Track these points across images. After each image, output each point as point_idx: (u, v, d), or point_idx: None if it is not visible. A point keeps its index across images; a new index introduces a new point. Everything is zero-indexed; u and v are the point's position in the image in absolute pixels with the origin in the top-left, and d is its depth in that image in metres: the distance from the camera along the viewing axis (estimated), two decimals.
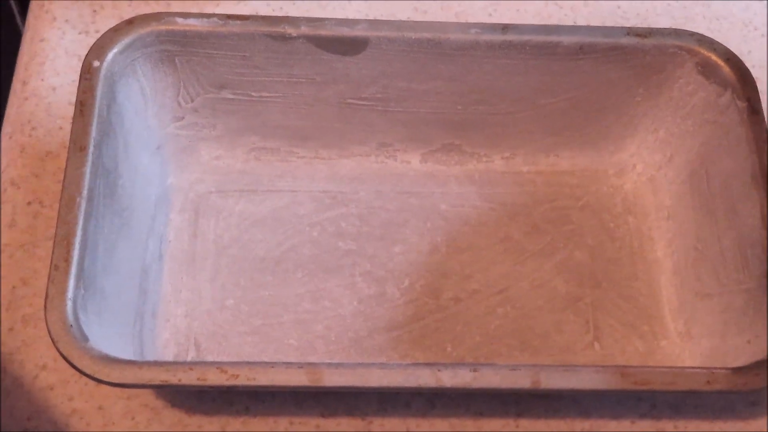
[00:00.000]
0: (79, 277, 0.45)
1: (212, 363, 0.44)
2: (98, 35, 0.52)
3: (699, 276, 0.54)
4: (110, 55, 0.51)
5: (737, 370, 0.46)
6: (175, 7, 0.61)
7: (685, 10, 0.65)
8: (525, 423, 0.51)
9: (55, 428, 0.49)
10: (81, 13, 0.61)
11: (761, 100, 0.53)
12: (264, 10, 0.62)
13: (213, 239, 0.56)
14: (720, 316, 0.52)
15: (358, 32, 0.53)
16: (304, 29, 0.53)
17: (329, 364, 0.44)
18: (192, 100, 0.56)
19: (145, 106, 0.55)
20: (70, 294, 0.44)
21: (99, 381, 0.43)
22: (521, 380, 0.45)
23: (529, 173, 0.60)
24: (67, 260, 0.45)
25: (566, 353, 0.54)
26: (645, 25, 0.63)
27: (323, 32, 0.53)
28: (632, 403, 0.52)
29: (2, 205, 0.54)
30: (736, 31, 0.65)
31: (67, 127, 0.55)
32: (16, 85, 0.58)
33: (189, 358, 0.52)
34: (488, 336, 0.54)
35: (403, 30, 0.54)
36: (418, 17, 0.63)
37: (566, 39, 0.55)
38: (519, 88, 0.57)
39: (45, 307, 0.44)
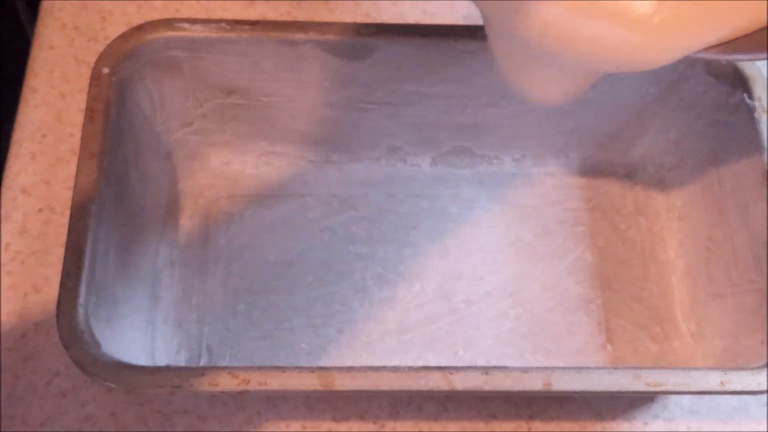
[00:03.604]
0: (91, 283, 0.45)
1: (224, 368, 0.44)
2: (107, 42, 0.52)
3: (711, 276, 0.54)
4: (119, 62, 0.51)
5: (751, 371, 0.46)
6: (184, 13, 0.61)
7: None
8: (537, 425, 0.51)
9: None
10: (90, 20, 0.61)
11: None
12: (272, 14, 0.62)
13: (224, 244, 0.56)
14: (732, 316, 0.52)
15: (367, 36, 0.53)
16: (313, 34, 0.53)
17: (341, 368, 0.44)
18: (201, 106, 0.56)
19: (155, 113, 0.55)
20: (81, 300, 0.44)
21: (111, 387, 0.43)
22: (533, 382, 0.44)
23: (539, 175, 0.60)
24: (79, 267, 0.45)
25: (578, 355, 0.54)
26: None
27: (331, 37, 0.53)
28: (645, 405, 0.51)
29: (13, 213, 0.54)
30: None
31: (78, 134, 0.55)
32: (26, 92, 0.58)
33: (201, 363, 0.53)
34: (500, 338, 0.54)
35: (412, 33, 0.54)
36: (426, 20, 0.63)
37: None
38: None
39: (57, 313, 0.44)
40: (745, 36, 0.37)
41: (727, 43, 0.38)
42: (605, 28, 0.36)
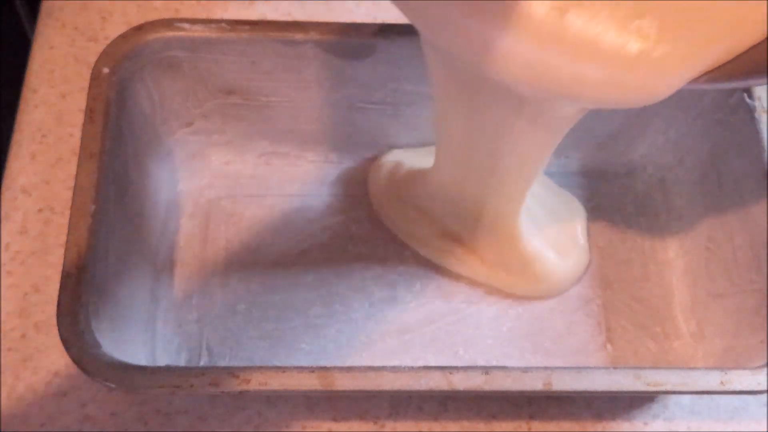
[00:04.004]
0: (91, 283, 0.45)
1: (224, 368, 0.44)
2: (107, 42, 0.52)
3: (711, 276, 0.54)
4: (119, 62, 0.51)
5: (751, 371, 0.46)
6: (184, 13, 0.62)
7: None
8: (537, 425, 0.51)
9: None
10: (90, 20, 0.61)
11: None
12: (272, 14, 0.62)
13: (224, 244, 0.56)
14: (733, 316, 0.52)
15: (367, 36, 0.53)
16: (313, 34, 0.53)
17: (341, 368, 0.44)
18: (201, 106, 0.56)
19: (155, 113, 0.55)
20: (81, 300, 0.45)
21: (111, 387, 0.43)
22: (533, 382, 0.44)
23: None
24: (79, 267, 0.45)
25: (578, 355, 0.54)
26: None
27: (331, 37, 0.53)
28: (645, 405, 0.51)
29: (13, 213, 0.54)
30: None
31: (78, 134, 0.55)
32: (26, 92, 0.58)
33: (201, 363, 0.52)
34: (500, 338, 0.54)
35: (412, 33, 0.54)
36: None
37: None
38: None
39: (57, 313, 0.44)
40: (739, 58, 0.37)
41: (720, 68, 0.37)
42: (601, 71, 0.36)
